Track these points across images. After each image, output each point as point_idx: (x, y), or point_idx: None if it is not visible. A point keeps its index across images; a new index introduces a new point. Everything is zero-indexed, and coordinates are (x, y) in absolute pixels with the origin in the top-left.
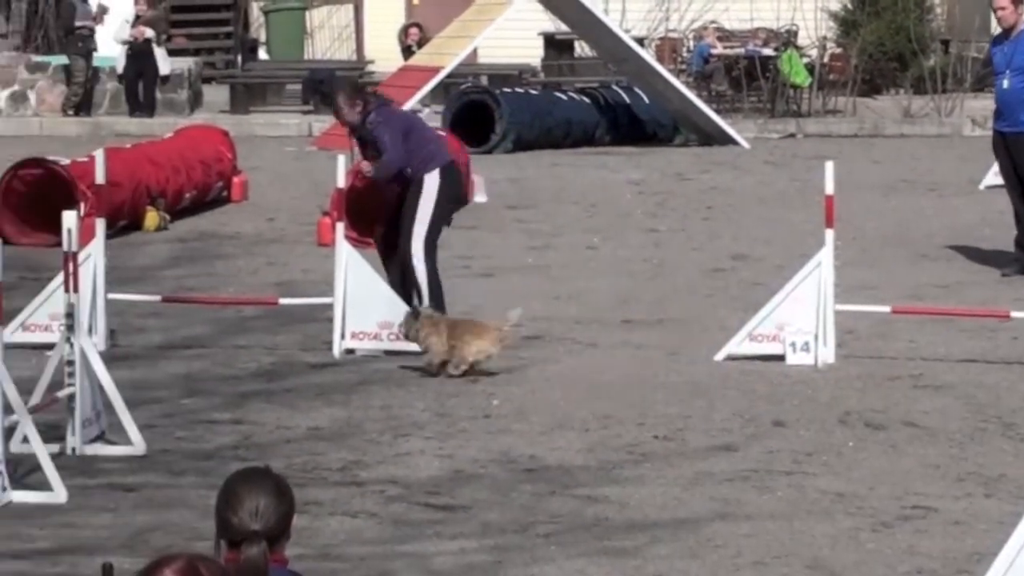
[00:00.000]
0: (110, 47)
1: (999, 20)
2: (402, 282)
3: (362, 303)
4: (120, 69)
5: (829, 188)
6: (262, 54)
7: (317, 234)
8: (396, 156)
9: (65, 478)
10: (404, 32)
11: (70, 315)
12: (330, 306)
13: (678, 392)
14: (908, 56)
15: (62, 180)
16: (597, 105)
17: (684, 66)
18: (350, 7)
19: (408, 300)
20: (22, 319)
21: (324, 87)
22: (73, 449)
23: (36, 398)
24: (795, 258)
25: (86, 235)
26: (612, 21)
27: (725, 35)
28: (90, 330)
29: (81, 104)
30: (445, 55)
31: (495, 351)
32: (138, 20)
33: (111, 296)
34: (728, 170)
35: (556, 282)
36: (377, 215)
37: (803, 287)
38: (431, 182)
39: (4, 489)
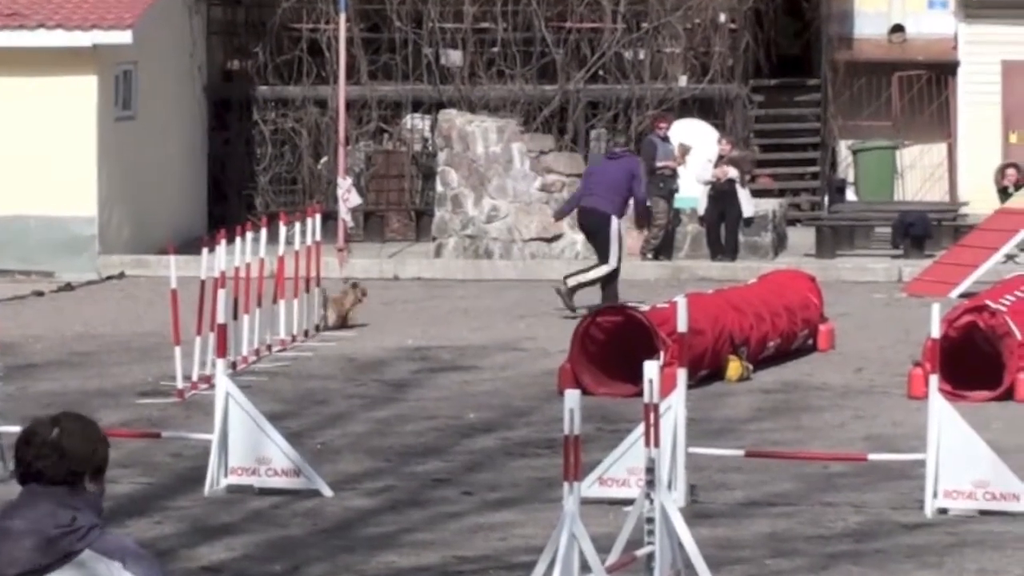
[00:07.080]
0: (692, 187)
1: None
2: None
3: (956, 460)
4: (701, 211)
5: None
6: (850, 195)
7: (908, 386)
8: None
9: None
10: (1000, 173)
11: (650, 470)
12: (922, 463)
13: None
14: None
15: (641, 327)
16: None
17: None
18: (943, 146)
19: None
20: (599, 473)
21: (915, 230)
22: None
23: (614, 556)
24: None
25: (666, 385)
26: None
27: None
28: (670, 485)
29: (661, 247)
30: None
31: None
32: (721, 160)
33: (692, 450)
34: None
35: None
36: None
37: None
38: None
39: None
